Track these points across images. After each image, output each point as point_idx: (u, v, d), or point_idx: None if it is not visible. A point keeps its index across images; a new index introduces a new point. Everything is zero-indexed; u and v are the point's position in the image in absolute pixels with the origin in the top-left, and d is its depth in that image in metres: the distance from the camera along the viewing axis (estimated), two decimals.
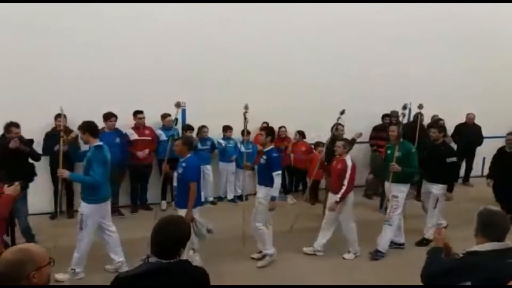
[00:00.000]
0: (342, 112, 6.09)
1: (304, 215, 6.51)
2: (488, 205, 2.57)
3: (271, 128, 5.42)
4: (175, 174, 4.81)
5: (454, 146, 8.39)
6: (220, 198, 7.70)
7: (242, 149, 6.75)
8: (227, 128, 7.40)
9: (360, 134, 7.15)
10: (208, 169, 7.34)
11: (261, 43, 7.36)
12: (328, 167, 5.83)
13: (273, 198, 4.95)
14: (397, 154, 5.35)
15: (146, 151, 6.79)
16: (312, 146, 7.72)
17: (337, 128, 6.84)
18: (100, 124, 6.24)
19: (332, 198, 5.35)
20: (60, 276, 4.53)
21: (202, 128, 7.22)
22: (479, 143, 8.73)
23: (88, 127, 4.51)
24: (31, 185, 5.31)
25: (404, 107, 6.06)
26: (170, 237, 2.17)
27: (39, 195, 6.11)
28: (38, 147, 5.93)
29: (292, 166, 7.79)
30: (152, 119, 7.00)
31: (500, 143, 6.50)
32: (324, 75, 7.74)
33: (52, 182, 6.33)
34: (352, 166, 5.21)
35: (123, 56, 6.63)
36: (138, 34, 6.69)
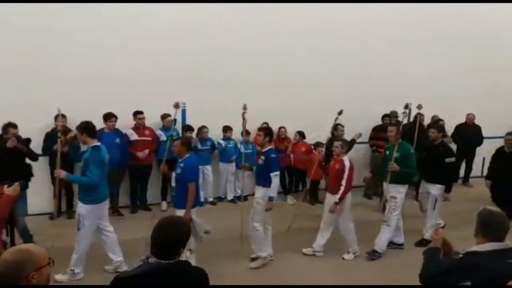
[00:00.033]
0: (340, 113, 6.10)
1: (304, 215, 6.52)
2: (488, 206, 2.57)
3: (269, 129, 5.42)
4: (173, 174, 4.79)
5: (454, 146, 8.40)
6: (220, 199, 7.70)
7: (242, 149, 6.74)
8: (227, 129, 7.39)
9: (360, 135, 7.16)
10: (208, 169, 7.35)
11: (261, 43, 7.36)
12: (325, 167, 5.83)
13: (270, 199, 4.94)
14: (395, 154, 5.34)
15: (146, 151, 6.78)
16: (312, 147, 7.72)
17: (337, 128, 6.86)
18: (100, 124, 6.26)
19: (329, 198, 5.36)
20: (59, 276, 4.53)
21: (202, 128, 7.22)
22: (479, 143, 8.73)
23: (86, 128, 4.51)
24: (30, 185, 5.31)
25: (406, 107, 6.06)
26: (170, 237, 2.17)
27: (39, 195, 6.11)
28: (38, 147, 5.93)
29: (292, 166, 7.79)
30: (152, 120, 6.99)
31: (500, 143, 6.49)
32: (324, 75, 7.74)
33: (52, 183, 6.32)
34: (350, 166, 5.20)
35: (123, 56, 6.63)
36: (138, 34, 6.69)
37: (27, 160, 5.43)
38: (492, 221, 2.41)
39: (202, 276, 2.29)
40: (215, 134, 7.40)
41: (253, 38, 7.27)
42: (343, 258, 5.35)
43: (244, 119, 5.69)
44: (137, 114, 6.75)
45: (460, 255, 2.50)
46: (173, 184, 4.82)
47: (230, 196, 7.66)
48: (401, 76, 8.18)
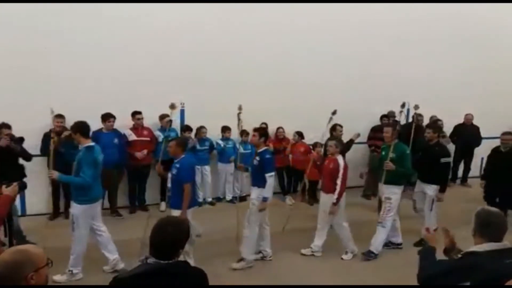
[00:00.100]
0: (334, 113, 6.09)
1: (302, 215, 6.51)
2: (486, 206, 2.57)
3: (264, 129, 5.40)
4: (169, 175, 4.77)
5: (452, 146, 8.41)
6: (218, 199, 7.69)
7: (241, 150, 6.73)
8: (225, 129, 7.37)
9: (358, 135, 7.16)
10: (206, 169, 7.35)
11: (261, 43, 7.35)
12: (320, 167, 5.83)
13: (264, 199, 4.90)
14: (391, 155, 5.33)
15: (145, 151, 6.77)
16: (311, 147, 7.71)
17: (335, 128, 6.86)
18: (99, 124, 6.26)
19: (324, 197, 5.36)
20: (57, 277, 4.52)
21: (200, 128, 7.21)
22: (477, 143, 8.72)
23: (79, 128, 4.49)
24: (29, 185, 5.29)
25: (403, 106, 6.05)
26: (169, 238, 2.16)
27: (37, 195, 6.10)
28: (37, 147, 5.93)
29: (291, 166, 7.79)
30: (150, 120, 6.98)
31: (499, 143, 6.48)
32: (323, 75, 7.74)
33: (50, 183, 6.32)
34: (344, 165, 5.21)
35: (122, 56, 6.63)
36: (138, 34, 6.69)
37: (20, 161, 5.40)
38: (490, 221, 2.42)
39: (201, 276, 2.29)
40: (214, 134, 7.40)
41: (253, 38, 7.27)
42: (342, 258, 5.35)
43: (239, 119, 5.68)
44: (135, 114, 6.74)
45: (459, 255, 2.50)
46: (169, 184, 4.77)
47: (229, 197, 7.65)
48: (401, 76, 8.19)
